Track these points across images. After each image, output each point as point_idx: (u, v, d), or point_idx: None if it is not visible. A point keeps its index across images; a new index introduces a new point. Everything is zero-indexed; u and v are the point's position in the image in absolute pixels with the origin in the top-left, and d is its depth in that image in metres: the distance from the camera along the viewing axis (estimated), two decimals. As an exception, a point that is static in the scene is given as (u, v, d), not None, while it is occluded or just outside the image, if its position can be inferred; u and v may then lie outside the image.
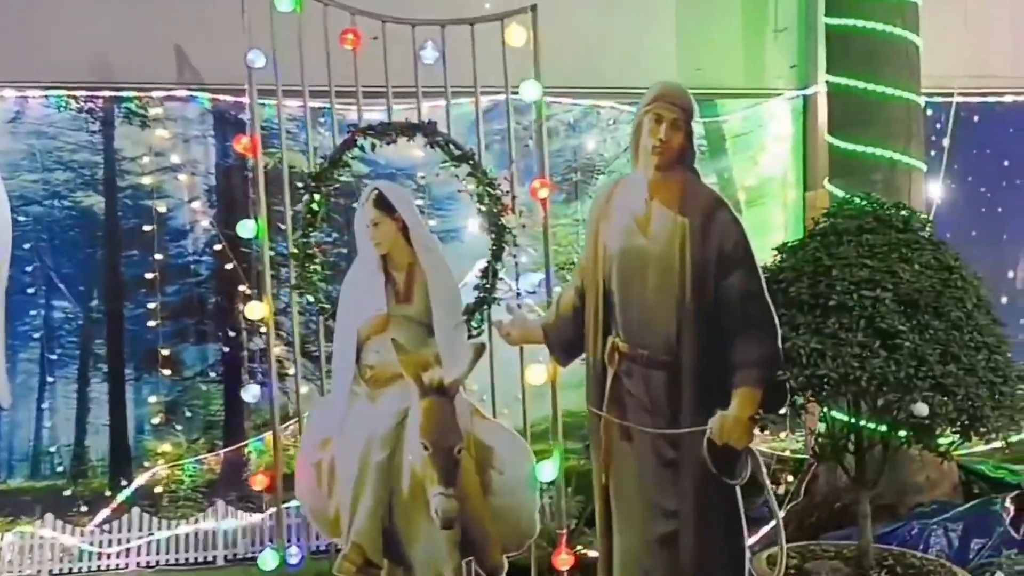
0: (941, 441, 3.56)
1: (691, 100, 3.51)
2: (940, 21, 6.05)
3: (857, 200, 3.78)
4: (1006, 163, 6.42)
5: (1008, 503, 4.52)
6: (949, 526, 4.42)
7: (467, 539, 3.92)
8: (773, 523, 4.57)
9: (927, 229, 3.69)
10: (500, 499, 3.97)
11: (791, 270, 3.61)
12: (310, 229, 4.26)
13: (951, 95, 6.26)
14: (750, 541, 4.53)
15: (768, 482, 3.44)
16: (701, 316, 3.38)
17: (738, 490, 3.41)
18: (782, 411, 3.46)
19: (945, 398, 3.23)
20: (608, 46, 5.75)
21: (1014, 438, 3.52)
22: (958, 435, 3.37)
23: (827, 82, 5.14)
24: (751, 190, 6.08)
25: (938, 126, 6.30)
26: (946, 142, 6.30)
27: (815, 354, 3.30)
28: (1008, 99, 6.44)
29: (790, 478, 5.47)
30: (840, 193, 5.08)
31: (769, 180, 6.09)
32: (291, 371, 4.75)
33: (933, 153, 6.29)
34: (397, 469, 3.87)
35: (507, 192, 4.07)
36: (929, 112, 6.27)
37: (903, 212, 3.71)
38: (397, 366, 3.78)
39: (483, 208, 4.06)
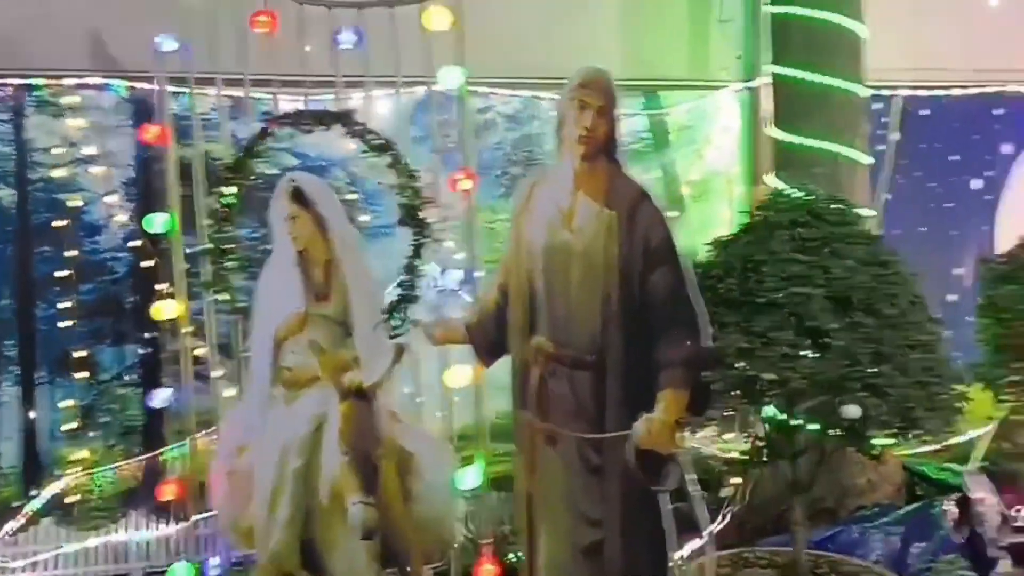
0: (881, 443, 3.42)
1: (615, 87, 3.35)
2: (887, 12, 5.95)
3: (792, 194, 3.62)
4: (956, 158, 6.33)
5: (950, 506, 4.40)
6: (889, 530, 4.29)
7: (388, 549, 3.73)
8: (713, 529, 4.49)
9: (862, 224, 3.54)
10: (422, 507, 3.78)
11: (722, 266, 3.45)
12: (225, 223, 4.04)
13: (897, 88, 6.16)
14: (690, 548, 4.42)
15: (694, 489, 3.29)
16: (627, 314, 3.24)
17: (665, 497, 3.25)
18: (728, 412, 3.32)
19: (877, 399, 3.08)
20: (548, 35, 5.57)
21: (950, 441, 3.39)
22: (892, 438, 3.22)
23: (771, 73, 4.99)
24: (696, 184, 5.93)
25: (885, 120, 6.20)
26: (895, 136, 6.21)
27: (742, 354, 3.14)
28: (957, 92, 6.34)
29: (737, 480, 5.34)
30: (784, 187, 4.94)
31: (715, 174, 5.94)
32: (215, 373, 4.51)
33: (883, 147, 6.21)
34: (315, 477, 3.67)
35: (428, 184, 3.87)
36: (879, 105, 6.20)
37: (839, 206, 3.56)
38: (315, 368, 3.59)
39: (403, 201, 3.86)
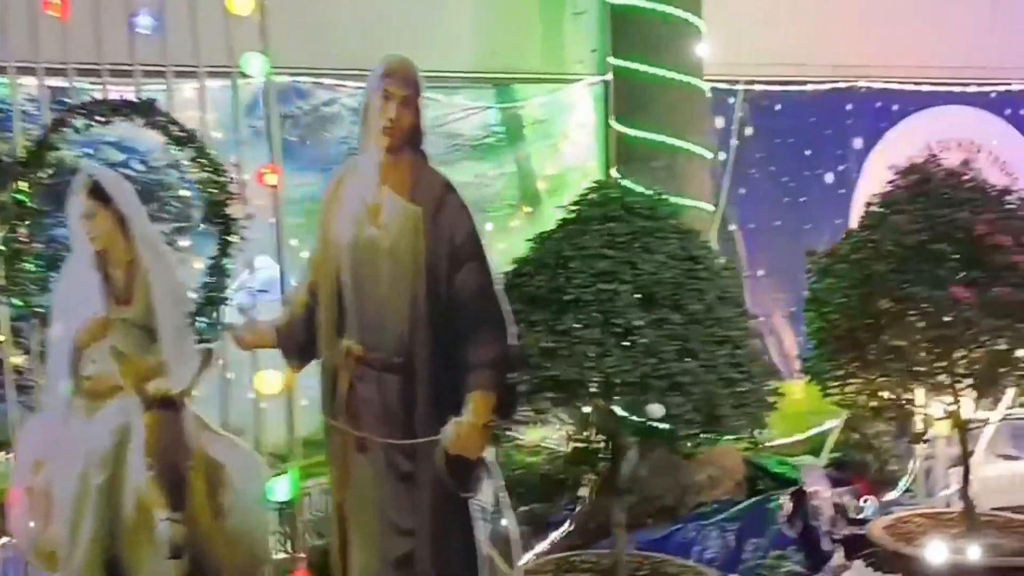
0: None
1: (419, 76, 3.22)
2: (738, 6, 5.99)
3: (606, 188, 3.54)
4: (808, 152, 6.41)
5: (785, 500, 4.41)
6: (726, 526, 4.28)
7: (198, 568, 3.51)
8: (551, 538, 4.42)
9: (679, 218, 3.48)
10: (232, 522, 3.56)
11: (534, 262, 3.34)
12: (19, 222, 3.74)
13: (752, 83, 6.20)
14: (537, 549, 4.33)
15: (504, 497, 3.18)
16: (435, 314, 3.13)
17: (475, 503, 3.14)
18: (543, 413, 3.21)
19: (682, 398, 3.01)
20: (394, 25, 5.40)
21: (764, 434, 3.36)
22: (698, 436, 3.16)
23: (612, 66, 4.92)
24: (553, 179, 5.83)
25: (740, 114, 6.24)
26: (749, 131, 6.25)
27: (546, 354, 3.03)
28: (811, 88, 6.43)
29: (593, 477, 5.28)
30: (629, 185, 4.88)
31: (571, 169, 5.85)
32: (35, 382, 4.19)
33: (736, 142, 6.25)
34: (119, 492, 3.43)
35: (233, 179, 3.65)
36: (731, 100, 6.23)
37: (653, 200, 3.48)
38: (116, 376, 3.35)
39: (208, 197, 3.64)
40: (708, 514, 4.46)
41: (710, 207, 4.92)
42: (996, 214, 3.59)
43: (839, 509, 4.53)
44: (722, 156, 6.23)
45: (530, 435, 4.02)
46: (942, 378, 3.58)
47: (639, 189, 3.53)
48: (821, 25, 6.41)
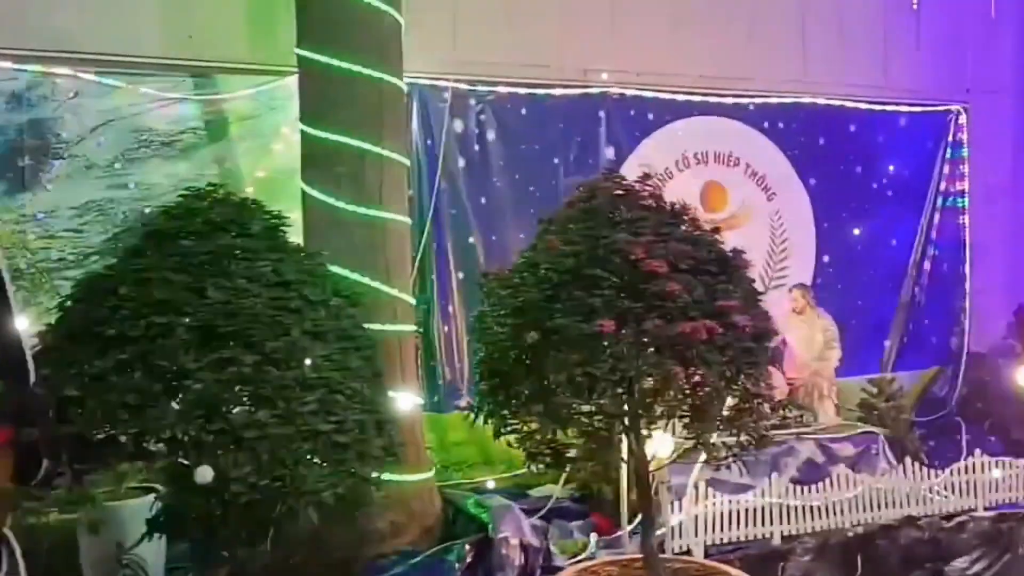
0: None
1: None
2: (471, 4, 5.57)
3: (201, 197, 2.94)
4: (556, 160, 6.02)
5: (467, 548, 3.95)
6: (402, 580, 3.76)
7: None
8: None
9: (281, 235, 2.92)
10: None
11: (91, 288, 2.71)
12: None
13: (489, 84, 5.78)
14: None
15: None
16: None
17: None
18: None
19: (244, 455, 2.46)
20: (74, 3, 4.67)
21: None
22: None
23: (297, 57, 4.34)
24: (263, 183, 5.18)
25: (483, 118, 5.80)
26: (491, 136, 5.82)
27: (71, 404, 2.42)
28: (559, 92, 6.04)
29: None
30: (311, 191, 4.32)
31: (285, 173, 5.17)
32: None
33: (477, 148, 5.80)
34: None
35: None
36: (472, 103, 5.78)
37: (261, 214, 2.91)
38: None
39: None
40: (387, 567, 3.94)
41: (404, 219, 4.40)
42: (656, 237, 3.20)
43: (534, 553, 4.10)
44: (462, 163, 5.78)
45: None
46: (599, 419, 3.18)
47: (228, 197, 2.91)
48: (570, 28, 6.05)
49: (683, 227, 3.44)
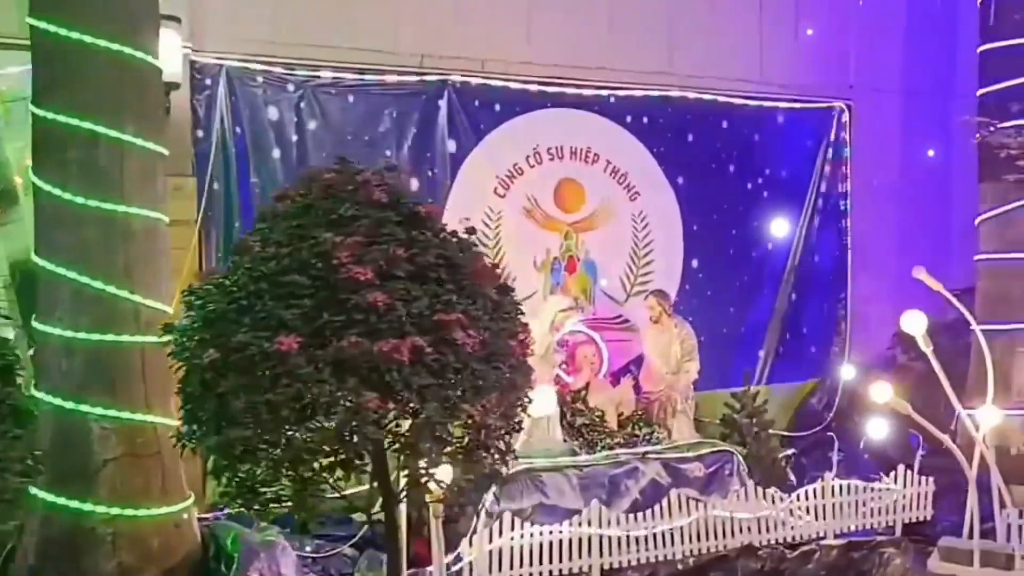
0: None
1: None
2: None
3: None
4: (388, 153, 5.50)
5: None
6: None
7: None
8: None
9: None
10: None
11: None
12: None
13: (309, 67, 5.27)
14: None
15: None
16: None
17: None
18: None
19: None
20: None
21: None
22: None
23: (30, 28, 3.78)
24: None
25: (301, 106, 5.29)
26: (312, 125, 5.32)
27: None
28: (392, 80, 5.53)
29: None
30: (39, 182, 3.76)
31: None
32: None
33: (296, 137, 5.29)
34: None
35: None
36: (289, 88, 5.26)
37: None
38: None
39: None
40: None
41: (156, 215, 3.84)
42: (368, 238, 2.71)
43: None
44: (277, 154, 5.26)
45: None
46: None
47: None
48: (406, 7, 5.55)
49: (427, 231, 2.94)
